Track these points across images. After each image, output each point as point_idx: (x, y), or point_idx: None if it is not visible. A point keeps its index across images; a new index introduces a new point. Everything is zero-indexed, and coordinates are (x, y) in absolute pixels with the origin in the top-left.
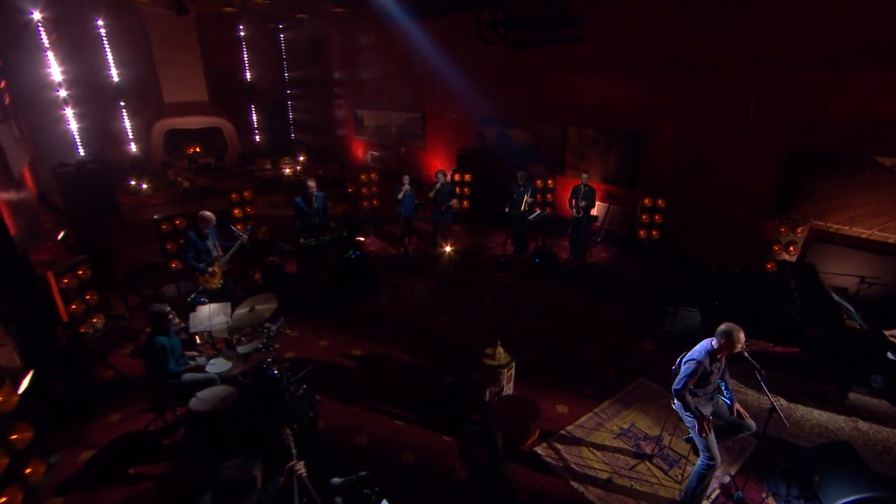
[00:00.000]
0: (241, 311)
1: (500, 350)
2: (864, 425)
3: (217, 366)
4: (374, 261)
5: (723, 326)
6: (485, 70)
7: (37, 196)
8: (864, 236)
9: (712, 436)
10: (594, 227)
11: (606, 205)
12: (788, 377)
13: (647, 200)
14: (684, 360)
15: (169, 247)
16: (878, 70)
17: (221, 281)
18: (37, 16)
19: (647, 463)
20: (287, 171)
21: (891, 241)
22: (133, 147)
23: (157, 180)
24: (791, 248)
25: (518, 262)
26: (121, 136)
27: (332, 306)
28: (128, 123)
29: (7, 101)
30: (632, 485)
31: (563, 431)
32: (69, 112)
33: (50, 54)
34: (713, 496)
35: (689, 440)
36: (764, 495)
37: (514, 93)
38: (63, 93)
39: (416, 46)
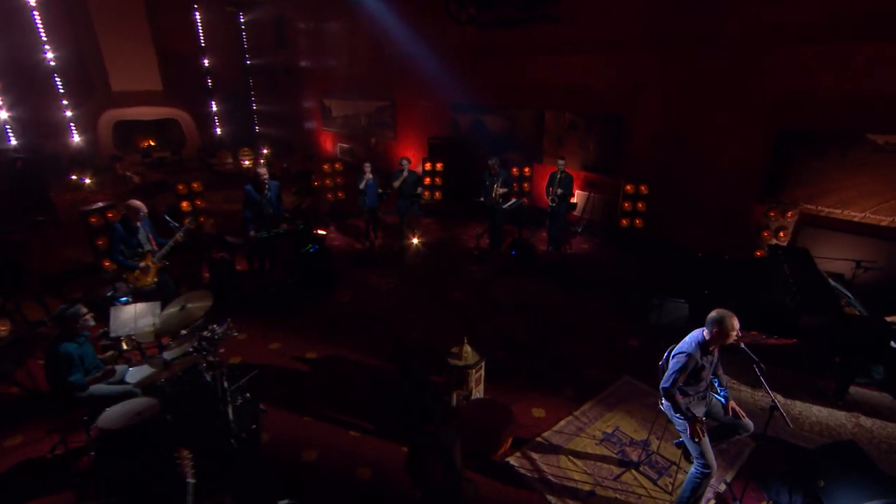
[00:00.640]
0: (171, 310)
1: (468, 349)
2: (866, 421)
3: (137, 374)
4: (336, 256)
5: (713, 314)
6: (457, 54)
7: None
8: (856, 219)
9: (706, 440)
10: (573, 216)
11: (586, 193)
12: (784, 371)
13: (629, 187)
14: (673, 353)
15: (99, 243)
16: (869, 40)
17: (156, 279)
18: None
19: (633, 471)
20: (247, 163)
21: (884, 223)
22: (76, 139)
23: (104, 175)
24: (781, 234)
25: (493, 255)
26: (62, 126)
27: (287, 305)
28: (69, 113)
29: None
30: (616, 497)
31: (539, 438)
32: None
33: None
34: None
35: (680, 445)
36: None
37: (489, 77)
38: None
39: (385, 30)
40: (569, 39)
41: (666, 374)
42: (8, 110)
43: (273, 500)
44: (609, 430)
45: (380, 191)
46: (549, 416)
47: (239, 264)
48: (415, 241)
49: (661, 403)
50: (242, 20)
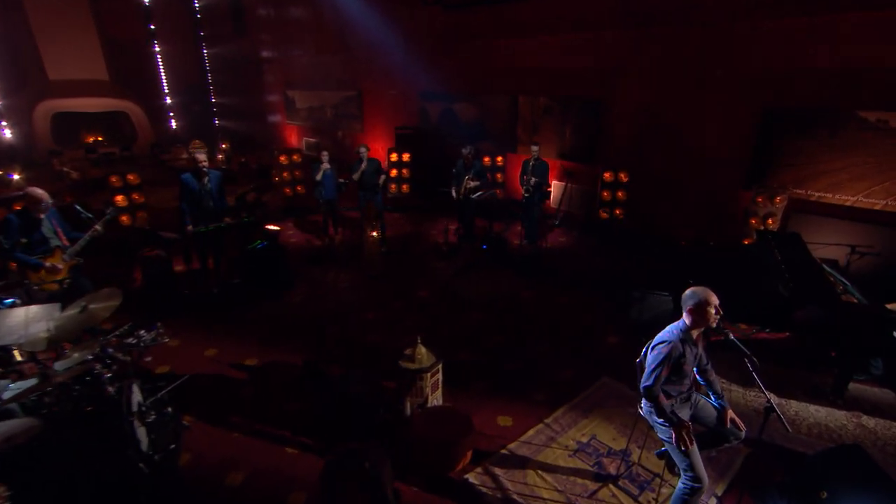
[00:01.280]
0: (70, 313)
1: (422, 349)
2: (868, 421)
3: (15, 390)
4: (292, 253)
5: (687, 292)
6: (425, 39)
7: None
8: (848, 204)
9: (695, 448)
10: (549, 207)
11: (563, 184)
12: (776, 368)
13: (607, 175)
14: (651, 346)
15: None
16: (857, 9)
17: (68, 279)
18: None
19: (611, 486)
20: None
21: (877, 207)
22: (6, 132)
23: (39, 171)
24: (770, 221)
25: (463, 251)
26: None
27: (230, 307)
28: None
29: None
30: None
31: (504, 450)
32: None
33: None
34: None
35: (663, 455)
36: None
37: (459, 63)
38: None
39: (350, 16)
40: (540, 19)
41: (646, 370)
42: None
43: None
44: (584, 440)
45: (341, 180)
46: (517, 424)
47: (179, 263)
48: (375, 234)
49: (641, 407)
50: (197, 5)
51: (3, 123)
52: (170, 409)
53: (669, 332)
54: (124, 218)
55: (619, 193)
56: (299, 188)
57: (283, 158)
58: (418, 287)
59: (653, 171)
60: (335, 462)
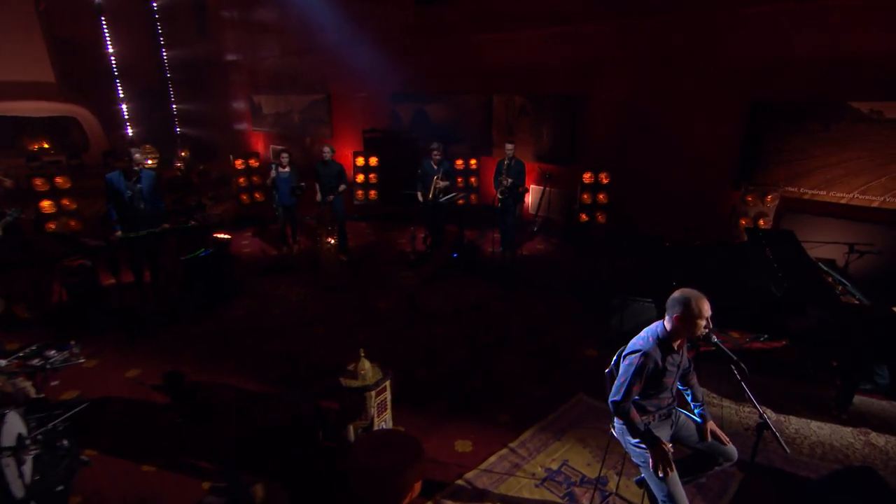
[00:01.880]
0: None
1: (366, 364)
2: (878, 438)
3: None
4: (244, 264)
5: (675, 294)
6: (396, 38)
7: None
8: (843, 201)
9: (675, 475)
10: (527, 213)
11: (542, 188)
12: (773, 380)
13: (587, 176)
14: (623, 354)
15: None
16: None
17: None
18: None
19: None
20: (150, 163)
21: (874, 204)
22: None
23: None
24: (761, 222)
25: (432, 259)
26: None
27: (164, 323)
28: None
29: None
30: None
31: (460, 481)
32: None
33: None
34: None
35: (643, 483)
36: None
37: (431, 62)
38: None
39: (318, 15)
40: (515, 11)
41: (615, 382)
42: None
43: None
44: (554, 466)
45: (303, 184)
46: (478, 449)
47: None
48: (331, 241)
49: (614, 426)
50: (155, 5)
51: None
52: (66, 442)
53: (644, 338)
54: (51, 225)
55: (601, 196)
56: (258, 195)
57: (239, 163)
58: (378, 298)
59: (635, 171)
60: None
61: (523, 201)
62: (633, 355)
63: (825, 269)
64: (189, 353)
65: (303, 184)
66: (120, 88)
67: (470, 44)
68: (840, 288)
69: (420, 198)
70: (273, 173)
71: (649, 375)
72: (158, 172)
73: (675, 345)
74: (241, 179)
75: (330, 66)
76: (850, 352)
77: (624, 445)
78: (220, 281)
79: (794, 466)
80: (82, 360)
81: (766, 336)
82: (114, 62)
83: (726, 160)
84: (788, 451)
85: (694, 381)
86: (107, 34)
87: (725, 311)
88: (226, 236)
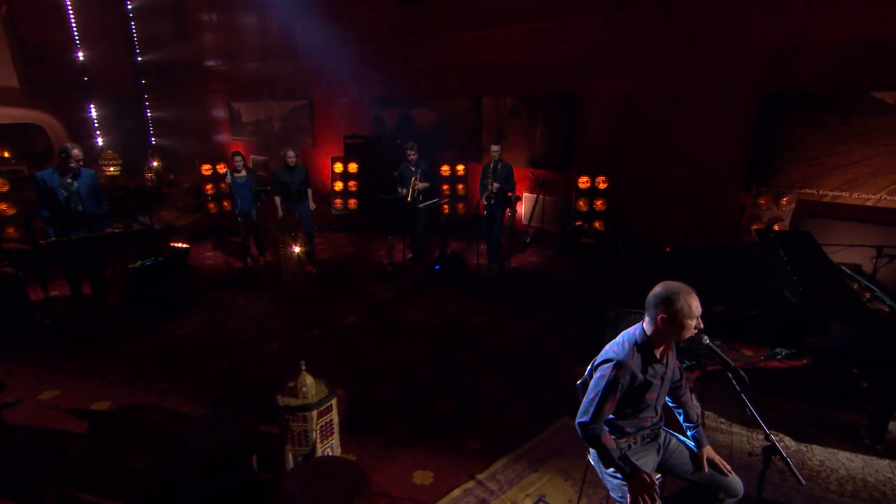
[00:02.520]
0: None
1: (308, 379)
2: None
3: None
4: (204, 277)
5: (657, 289)
6: (380, 39)
7: None
8: (869, 203)
9: None
10: (519, 223)
11: (535, 196)
12: (793, 403)
13: (583, 180)
14: (595, 363)
15: None
16: None
17: None
18: None
19: None
20: (111, 170)
21: None
22: None
23: None
24: (776, 228)
25: (413, 271)
26: None
27: (100, 338)
28: None
29: None
30: None
31: None
32: None
33: None
34: None
35: None
36: None
37: (416, 64)
38: None
39: (300, 17)
40: (503, 6)
41: (584, 400)
42: None
43: None
44: (529, 502)
45: (267, 188)
46: (440, 481)
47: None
48: (297, 249)
49: (590, 453)
50: (130, 7)
51: None
52: None
53: (619, 344)
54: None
55: (598, 202)
56: (226, 203)
57: (205, 168)
58: (347, 313)
59: (636, 175)
60: None
61: (515, 209)
62: (605, 366)
63: (850, 273)
64: (121, 372)
65: (268, 187)
66: (90, 95)
67: (457, 43)
68: (868, 295)
69: (402, 191)
70: (228, 179)
71: (626, 391)
72: (124, 182)
73: (658, 352)
74: (209, 187)
75: (312, 70)
76: (884, 370)
77: (600, 476)
78: (171, 293)
79: None
80: None
81: (783, 353)
82: (84, 67)
83: (735, 160)
84: (804, 482)
85: (687, 397)
86: (77, 37)
87: (733, 321)
88: (184, 245)
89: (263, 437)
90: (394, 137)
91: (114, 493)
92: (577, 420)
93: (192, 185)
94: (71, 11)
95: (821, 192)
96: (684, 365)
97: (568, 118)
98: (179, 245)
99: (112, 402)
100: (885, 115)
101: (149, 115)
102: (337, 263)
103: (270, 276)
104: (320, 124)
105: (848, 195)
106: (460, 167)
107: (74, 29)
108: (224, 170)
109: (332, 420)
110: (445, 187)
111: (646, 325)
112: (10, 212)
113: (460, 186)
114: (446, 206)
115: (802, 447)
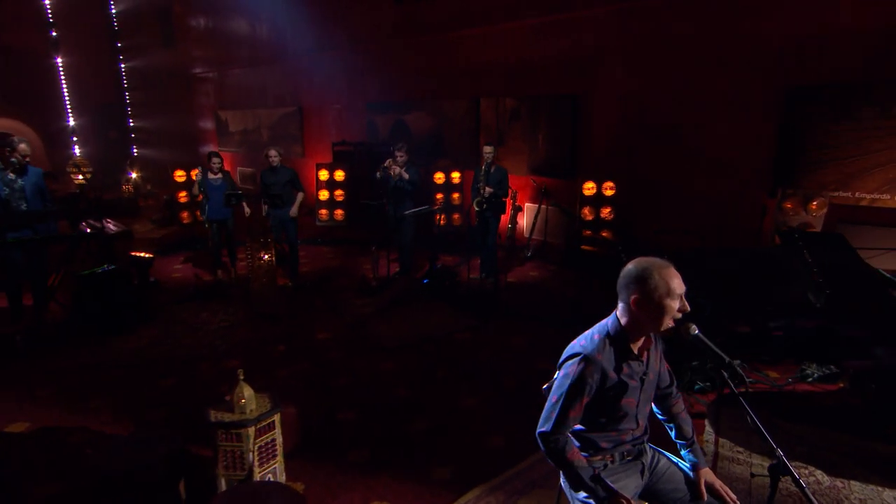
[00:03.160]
0: None
1: (247, 391)
2: None
3: None
4: (169, 289)
5: (629, 266)
6: (373, 38)
7: None
8: None
9: None
10: (520, 236)
11: (537, 206)
12: (825, 433)
13: (588, 186)
14: (559, 362)
15: None
16: None
17: None
18: None
19: None
20: (79, 178)
21: None
22: None
23: None
24: None
25: (398, 286)
26: None
27: (35, 352)
28: None
29: None
30: None
31: None
32: None
33: None
34: None
35: None
36: None
37: (411, 66)
38: None
39: (290, 20)
40: (502, 1)
41: (545, 406)
42: None
43: None
44: None
45: (239, 192)
46: None
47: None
48: (266, 258)
49: (561, 477)
50: (114, 10)
51: None
52: None
53: (589, 337)
54: None
55: (606, 211)
56: (199, 214)
57: (178, 174)
58: (321, 328)
59: (647, 180)
60: None
61: (516, 221)
62: (570, 362)
63: (891, 277)
64: (51, 389)
65: (239, 191)
66: (69, 103)
67: (454, 41)
68: None
69: (385, 209)
70: (200, 177)
71: (597, 394)
72: (98, 193)
73: (636, 346)
74: (182, 194)
75: (302, 74)
76: None
77: (570, 501)
78: (125, 305)
79: None
80: None
81: (815, 374)
82: (63, 75)
83: (758, 162)
84: None
85: (679, 407)
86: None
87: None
88: (146, 255)
89: (196, 461)
90: (386, 144)
91: None
92: (538, 430)
93: (169, 196)
94: (50, 16)
95: (857, 194)
96: (696, 387)
97: (572, 120)
98: (142, 255)
99: (32, 424)
100: None
101: (131, 124)
102: (319, 276)
103: (241, 289)
104: (310, 132)
105: (889, 197)
106: (455, 175)
107: (55, 35)
108: (197, 172)
109: (274, 440)
110: (439, 196)
111: (619, 312)
112: None
113: (455, 195)
114: (442, 217)
115: (838, 483)
